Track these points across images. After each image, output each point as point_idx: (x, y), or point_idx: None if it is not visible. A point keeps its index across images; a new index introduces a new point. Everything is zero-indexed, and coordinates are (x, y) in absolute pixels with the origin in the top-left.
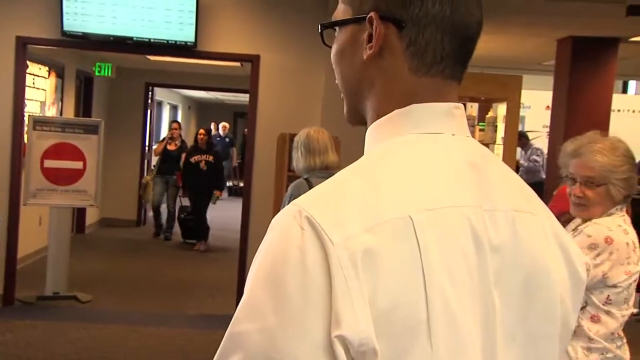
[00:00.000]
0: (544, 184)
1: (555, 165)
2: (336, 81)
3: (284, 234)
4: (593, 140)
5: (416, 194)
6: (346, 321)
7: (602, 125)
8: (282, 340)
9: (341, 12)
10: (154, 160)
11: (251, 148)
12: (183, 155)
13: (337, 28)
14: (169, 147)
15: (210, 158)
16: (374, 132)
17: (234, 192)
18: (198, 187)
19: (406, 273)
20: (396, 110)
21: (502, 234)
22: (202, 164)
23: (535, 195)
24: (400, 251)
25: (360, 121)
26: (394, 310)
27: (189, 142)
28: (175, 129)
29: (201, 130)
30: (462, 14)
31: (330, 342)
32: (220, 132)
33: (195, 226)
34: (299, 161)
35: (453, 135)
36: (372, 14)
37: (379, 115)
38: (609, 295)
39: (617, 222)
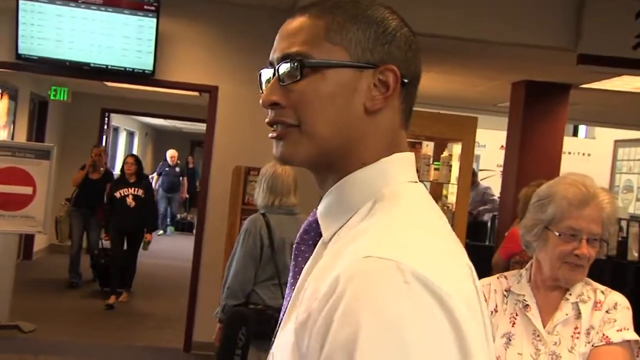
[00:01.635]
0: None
1: (507, 205)
2: (295, 121)
3: (386, 291)
4: (588, 185)
5: (458, 248)
6: None
7: (554, 166)
8: None
9: (324, 51)
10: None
11: (206, 179)
12: (108, 186)
13: (316, 68)
14: (91, 176)
15: (140, 192)
16: (365, 179)
17: (181, 226)
18: (123, 227)
19: (479, 318)
20: (383, 159)
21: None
22: (130, 200)
23: None
24: (476, 297)
25: (315, 164)
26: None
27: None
28: (99, 155)
29: (128, 158)
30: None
31: None
32: (169, 160)
33: (116, 273)
34: (259, 196)
35: (416, 182)
36: (393, 67)
37: (364, 163)
38: None
39: None
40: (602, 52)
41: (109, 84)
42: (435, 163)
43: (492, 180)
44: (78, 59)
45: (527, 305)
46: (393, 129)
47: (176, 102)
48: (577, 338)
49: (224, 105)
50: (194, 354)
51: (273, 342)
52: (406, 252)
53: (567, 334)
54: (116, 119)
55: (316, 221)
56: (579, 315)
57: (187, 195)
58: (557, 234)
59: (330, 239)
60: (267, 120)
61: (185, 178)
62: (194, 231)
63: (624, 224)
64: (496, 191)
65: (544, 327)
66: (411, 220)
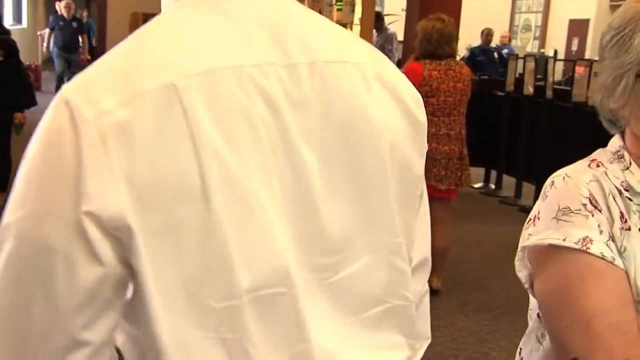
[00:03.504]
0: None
1: (410, 46)
2: None
3: (46, 119)
4: None
5: (183, 58)
6: (95, 197)
7: (455, 6)
8: (40, 221)
9: None
10: None
11: (102, 32)
12: None
13: None
14: None
15: None
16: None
17: None
18: None
19: (171, 143)
20: None
21: (306, 88)
22: None
23: (358, 42)
24: (162, 122)
25: None
26: (161, 183)
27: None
28: None
29: None
30: None
31: (80, 219)
32: (64, 13)
33: None
34: None
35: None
36: None
37: None
38: None
39: None
40: None
41: None
42: (337, 3)
43: (398, 25)
44: None
45: None
46: None
47: None
48: None
49: None
50: None
51: None
52: (76, 82)
53: None
54: None
55: None
56: None
57: (89, 57)
58: None
59: None
60: None
61: (85, 35)
62: None
63: (520, 61)
64: (401, 35)
65: None
66: (127, 44)
